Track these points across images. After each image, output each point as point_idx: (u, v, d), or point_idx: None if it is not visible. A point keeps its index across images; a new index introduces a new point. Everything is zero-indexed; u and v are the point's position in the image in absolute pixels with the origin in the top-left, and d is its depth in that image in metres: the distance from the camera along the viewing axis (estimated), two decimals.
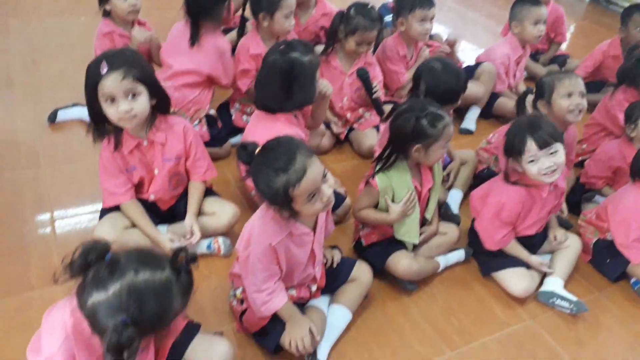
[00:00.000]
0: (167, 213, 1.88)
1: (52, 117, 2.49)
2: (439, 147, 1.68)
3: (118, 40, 2.40)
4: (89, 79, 1.56)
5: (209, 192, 1.96)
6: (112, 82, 1.53)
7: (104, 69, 1.52)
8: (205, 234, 1.86)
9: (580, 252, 1.96)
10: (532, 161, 1.70)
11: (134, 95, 1.58)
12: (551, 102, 2.04)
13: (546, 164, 1.67)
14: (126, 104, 1.56)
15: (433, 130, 1.64)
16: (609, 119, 2.48)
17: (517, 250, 1.88)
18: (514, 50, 2.87)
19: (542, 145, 1.67)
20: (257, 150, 1.34)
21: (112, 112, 1.57)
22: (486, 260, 1.93)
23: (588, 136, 2.60)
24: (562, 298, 1.82)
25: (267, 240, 1.38)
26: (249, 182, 1.99)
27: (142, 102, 1.60)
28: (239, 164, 1.99)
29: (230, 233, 1.92)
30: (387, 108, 2.55)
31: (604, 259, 1.99)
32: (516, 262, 1.87)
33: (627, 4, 4.86)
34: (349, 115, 2.59)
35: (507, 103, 2.82)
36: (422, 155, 1.69)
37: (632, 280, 1.97)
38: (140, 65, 1.62)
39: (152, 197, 1.81)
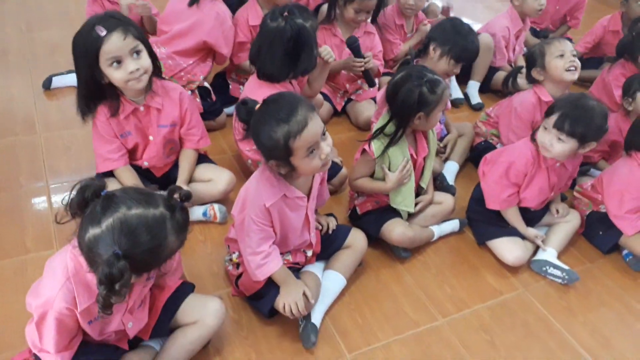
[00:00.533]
0: (161, 179, 1.88)
1: (47, 84, 2.47)
2: (437, 111, 1.69)
3: (108, 6, 2.38)
4: (87, 46, 1.51)
5: (204, 159, 1.96)
6: (116, 43, 1.51)
7: (103, 32, 1.49)
8: (201, 201, 1.87)
9: (577, 227, 1.98)
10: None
11: (137, 53, 1.56)
12: (545, 66, 2.04)
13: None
14: (134, 62, 1.55)
15: (434, 96, 1.64)
16: (605, 94, 2.48)
17: (515, 218, 1.89)
18: (514, 23, 2.84)
19: (558, 127, 1.68)
20: (258, 106, 1.35)
21: (119, 74, 1.55)
22: (482, 228, 1.95)
23: None
24: (555, 267, 1.84)
25: (262, 201, 1.39)
26: (245, 149, 2.00)
27: (147, 58, 1.60)
28: (235, 131, 1.99)
29: (226, 200, 1.92)
30: (386, 80, 2.57)
31: (596, 231, 2.01)
32: (511, 231, 1.89)
33: None
34: (347, 86, 2.58)
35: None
36: (422, 122, 1.69)
37: (624, 252, 1.99)
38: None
39: (145, 164, 1.81)
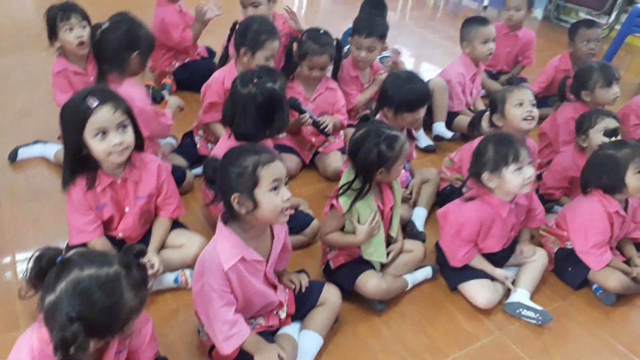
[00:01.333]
0: None
1: (13, 156, 2.45)
2: (398, 165, 1.74)
3: (73, 77, 2.41)
4: (76, 115, 1.54)
5: (175, 224, 1.95)
6: (105, 115, 1.54)
7: (94, 103, 1.53)
8: (173, 267, 1.85)
9: (546, 266, 2.02)
10: (519, 104, 2.05)
11: (123, 127, 1.59)
12: (505, 113, 2.12)
13: (529, 173, 1.75)
14: (118, 136, 1.57)
15: (392, 152, 1.69)
16: (554, 132, 2.59)
17: (481, 264, 1.92)
18: (468, 68, 2.97)
19: (528, 155, 1.77)
20: (226, 152, 1.43)
21: (102, 146, 1.57)
22: (452, 273, 1.97)
23: (539, 149, 2.69)
24: (528, 308, 1.86)
25: (220, 265, 1.39)
26: (214, 208, 2.00)
27: (131, 135, 1.62)
28: (203, 193, 2.01)
29: None
30: (350, 131, 2.63)
31: (565, 268, 2.05)
32: (481, 274, 1.92)
33: (574, 21, 5.13)
34: (314, 139, 2.63)
35: (465, 121, 2.89)
36: (384, 176, 1.74)
37: (594, 286, 2.03)
38: (123, 98, 1.64)
39: (120, 235, 1.80)
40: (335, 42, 2.49)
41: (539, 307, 1.86)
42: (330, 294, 1.71)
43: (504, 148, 1.76)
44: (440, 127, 2.91)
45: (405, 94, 2.09)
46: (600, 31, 3.13)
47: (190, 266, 1.87)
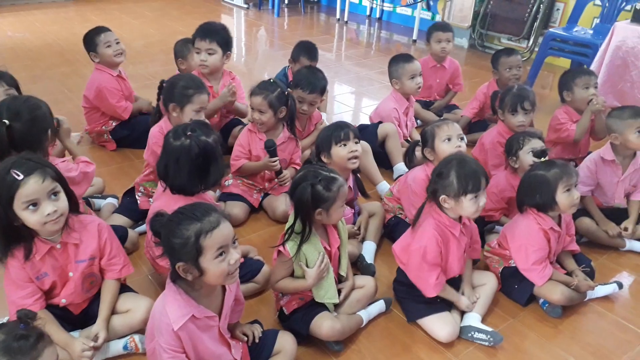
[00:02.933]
0: (80, 317, 1.79)
1: None
2: (337, 207, 1.76)
3: None
4: (2, 190, 1.49)
5: (122, 287, 1.89)
6: (33, 186, 1.50)
7: (20, 176, 1.48)
8: (120, 334, 1.78)
9: (496, 289, 2.08)
10: (448, 139, 2.14)
11: (55, 194, 1.55)
12: (435, 148, 2.21)
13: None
14: (51, 205, 1.54)
15: (329, 193, 1.72)
16: (484, 155, 2.72)
17: (448, 292, 1.95)
18: (400, 103, 3.10)
19: (487, 182, 1.84)
20: (172, 213, 1.39)
21: (35, 217, 1.52)
22: (411, 306, 1.99)
23: None
24: (479, 331, 1.90)
25: (169, 326, 1.37)
26: (161, 263, 1.96)
27: (64, 200, 1.59)
28: (147, 247, 1.96)
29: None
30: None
31: (512, 286, 2.12)
32: (438, 307, 1.94)
33: (500, 47, 5.47)
34: (267, 185, 2.65)
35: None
36: (324, 217, 1.76)
37: (541, 301, 2.10)
38: (48, 163, 1.60)
39: (63, 302, 1.73)
40: (285, 93, 2.51)
41: (490, 329, 1.91)
42: (285, 342, 1.70)
43: (466, 175, 1.81)
44: (401, 167, 2.90)
45: (329, 130, 2.21)
46: (519, 57, 3.33)
47: (139, 331, 1.81)
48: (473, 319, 1.95)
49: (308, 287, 1.79)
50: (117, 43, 3.04)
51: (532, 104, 2.62)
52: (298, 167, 2.62)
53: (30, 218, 1.53)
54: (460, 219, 1.91)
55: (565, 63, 4.82)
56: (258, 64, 5.26)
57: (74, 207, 1.67)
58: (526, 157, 2.31)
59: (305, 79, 2.74)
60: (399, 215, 2.39)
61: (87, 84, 3.09)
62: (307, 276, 1.76)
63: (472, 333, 1.90)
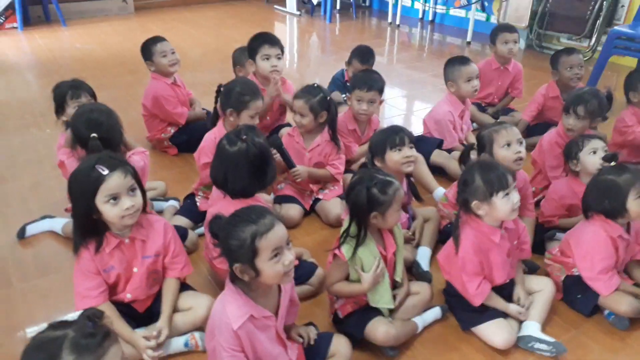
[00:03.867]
0: (145, 314, 1.88)
1: (21, 233, 2.50)
2: (394, 211, 1.76)
3: (79, 149, 2.48)
4: (87, 183, 1.62)
5: (182, 286, 1.97)
6: (116, 181, 1.63)
7: (105, 171, 1.61)
8: (182, 331, 1.85)
9: (554, 294, 2.00)
10: (507, 145, 2.08)
11: (133, 191, 1.68)
12: (493, 154, 2.16)
13: (516, 198, 1.79)
14: (129, 200, 1.66)
15: (385, 196, 1.72)
16: (541, 158, 2.63)
17: (494, 300, 1.91)
18: (455, 106, 3.04)
19: (514, 179, 1.80)
20: (229, 215, 1.45)
21: (115, 211, 1.65)
22: (464, 315, 1.96)
23: (533, 177, 2.71)
24: (540, 341, 1.84)
25: (229, 325, 1.41)
26: (219, 266, 2.03)
27: (140, 196, 1.72)
28: (206, 249, 2.03)
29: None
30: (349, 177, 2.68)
31: (575, 295, 2.04)
32: (494, 314, 1.90)
33: (559, 47, 5.26)
34: (311, 186, 2.69)
35: None
36: (380, 221, 1.77)
37: (606, 312, 2.01)
38: (127, 162, 1.73)
39: (128, 297, 1.82)
40: (327, 98, 2.57)
41: (552, 339, 1.84)
42: (340, 345, 1.71)
43: (490, 175, 1.79)
44: (439, 193, 2.77)
45: (383, 134, 2.21)
46: (580, 57, 3.21)
47: (200, 328, 1.88)
48: (533, 328, 1.89)
49: (363, 291, 1.79)
50: (173, 53, 3.17)
51: (589, 112, 2.45)
52: (334, 170, 2.63)
53: (110, 211, 1.65)
54: (501, 225, 1.87)
55: (630, 62, 4.58)
56: (310, 70, 5.32)
57: (144, 206, 1.77)
58: (588, 158, 2.22)
59: (361, 79, 2.79)
60: None
61: (144, 93, 3.24)
62: (363, 280, 1.77)
63: (533, 343, 1.84)
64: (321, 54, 5.98)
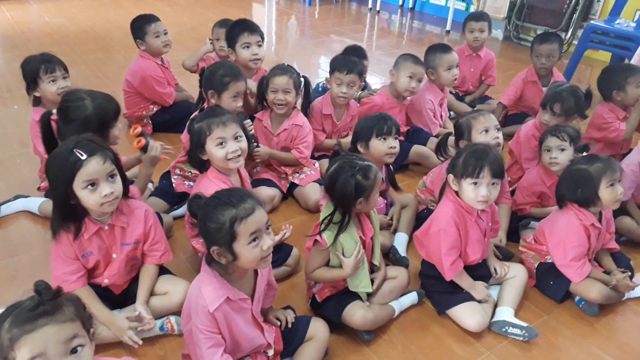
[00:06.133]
0: (120, 297, 1.84)
1: None
2: (375, 193, 1.77)
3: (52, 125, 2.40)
4: (64, 167, 1.55)
5: (160, 269, 1.93)
6: (95, 167, 1.56)
7: (83, 156, 1.53)
8: (158, 315, 1.82)
9: (526, 280, 2.05)
10: (485, 131, 2.05)
11: (112, 177, 1.61)
12: (471, 140, 2.17)
13: (483, 192, 1.81)
14: (108, 187, 1.59)
15: (368, 181, 1.72)
16: (517, 149, 2.66)
17: (464, 278, 1.94)
18: (435, 94, 3.07)
19: (494, 174, 1.81)
20: (209, 197, 1.42)
21: (94, 197, 1.58)
22: (439, 298, 1.99)
23: (509, 166, 2.75)
24: (514, 325, 1.88)
25: (205, 307, 1.39)
26: (196, 244, 2.00)
27: (120, 183, 1.65)
28: (187, 226, 1.99)
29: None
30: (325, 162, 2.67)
31: (547, 282, 2.09)
32: (467, 296, 1.94)
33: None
34: (285, 169, 2.67)
35: None
36: (363, 206, 1.76)
37: (576, 298, 2.06)
38: (108, 146, 1.66)
39: (106, 282, 1.78)
40: (302, 78, 2.54)
41: (524, 324, 1.88)
42: (318, 328, 1.70)
43: (472, 160, 1.82)
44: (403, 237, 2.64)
45: (371, 121, 2.19)
46: (552, 46, 3.21)
47: (176, 313, 1.84)
48: (506, 313, 1.93)
49: (345, 276, 1.79)
50: (165, 34, 3.09)
51: (565, 110, 2.47)
52: (298, 154, 2.60)
53: (88, 198, 1.58)
54: None
55: (604, 57, 4.68)
56: (288, 53, 5.26)
57: (124, 192, 1.71)
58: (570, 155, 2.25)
59: (341, 61, 2.75)
60: (432, 207, 2.37)
61: (129, 70, 3.14)
62: (345, 265, 1.76)
63: (506, 328, 1.88)
64: (300, 37, 5.92)
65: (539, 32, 5.42)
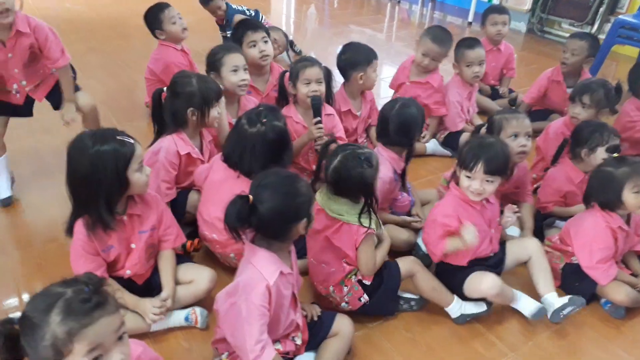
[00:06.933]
0: (143, 287, 1.84)
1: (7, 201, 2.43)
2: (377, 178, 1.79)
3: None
4: (120, 157, 1.59)
5: (183, 258, 1.95)
6: (139, 148, 1.65)
7: (132, 139, 1.62)
8: (184, 304, 1.84)
9: (543, 252, 1.99)
10: (515, 135, 2.05)
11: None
12: None
13: (475, 186, 1.83)
14: (147, 167, 1.71)
15: (373, 169, 1.74)
16: (545, 146, 2.61)
17: (453, 240, 1.87)
18: (462, 87, 3.02)
19: (487, 171, 1.80)
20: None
21: (144, 178, 1.68)
22: (453, 281, 1.93)
23: (535, 163, 2.71)
24: (564, 307, 1.86)
25: (263, 282, 1.40)
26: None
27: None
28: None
29: (207, 300, 1.89)
30: None
31: (573, 283, 2.06)
32: (473, 269, 1.90)
33: (561, 33, 5.23)
34: (314, 167, 2.62)
35: None
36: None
37: (602, 301, 2.04)
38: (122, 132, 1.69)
39: (128, 273, 1.78)
40: (325, 69, 2.47)
41: (567, 298, 1.87)
42: (343, 324, 1.71)
43: (470, 153, 1.83)
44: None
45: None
46: (580, 43, 3.13)
47: (201, 303, 1.85)
48: (554, 299, 1.89)
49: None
50: (180, 18, 3.08)
51: (596, 101, 2.44)
52: (342, 141, 2.51)
53: (141, 178, 1.66)
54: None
55: (631, 52, 4.57)
56: (307, 43, 5.21)
57: None
58: (602, 154, 2.20)
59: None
60: None
61: (152, 58, 3.13)
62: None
63: (561, 313, 1.87)
64: (318, 26, 5.87)
65: (563, 25, 5.34)
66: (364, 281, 1.84)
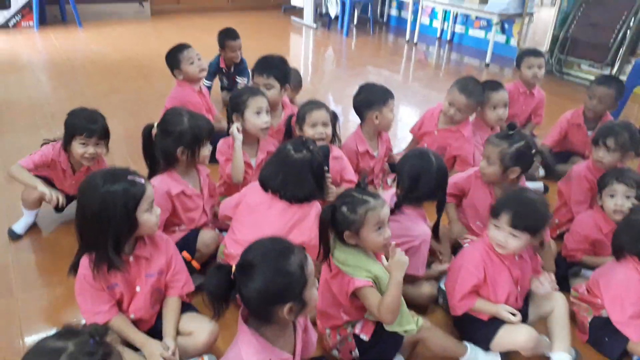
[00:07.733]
0: (148, 334, 1.76)
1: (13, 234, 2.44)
2: (369, 232, 1.63)
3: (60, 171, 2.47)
4: (129, 197, 1.57)
5: (185, 305, 1.87)
6: (150, 188, 1.65)
7: (141, 179, 1.61)
8: (187, 355, 1.75)
9: (568, 308, 1.88)
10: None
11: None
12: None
13: (499, 238, 1.78)
14: (157, 206, 1.69)
15: (354, 215, 1.61)
16: (567, 190, 2.52)
17: (484, 305, 1.82)
18: (482, 130, 2.96)
19: (513, 225, 1.74)
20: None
21: (154, 219, 1.65)
22: (478, 335, 1.83)
23: (557, 207, 2.62)
24: None
25: None
26: None
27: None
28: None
29: (215, 349, 1.81)
30: None
31: (602, 338, 1.93)
32: (499, 322, 1.79)
33: (580, 74, 5.18)
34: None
35: None
36: (358, 241, 1.66)
37: (635, 358, 1.90)
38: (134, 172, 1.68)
39: (132, 317, 1.73)
40: (332, 112, 2.48)
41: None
42: None
43: (503, 199, 1.86)
44: None
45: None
46: (609, 91, 3.05)
47: (202, 353, 1.77)
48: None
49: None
50: (199, 59, 3.14)
51: (620, 144, 2.35)
52: (352, 184, 2.48)
53: (150, 219, 1.64)
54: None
55: None
56: (324, 84, 5.26)
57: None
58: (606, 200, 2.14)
59: (259, 63, 2.80)
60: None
61: (169, 98, 3.18)
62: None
63: None
64: (336, 67, 5.93)
65: (582, 66, 5.30)
66: (361, 336, 1.73)
